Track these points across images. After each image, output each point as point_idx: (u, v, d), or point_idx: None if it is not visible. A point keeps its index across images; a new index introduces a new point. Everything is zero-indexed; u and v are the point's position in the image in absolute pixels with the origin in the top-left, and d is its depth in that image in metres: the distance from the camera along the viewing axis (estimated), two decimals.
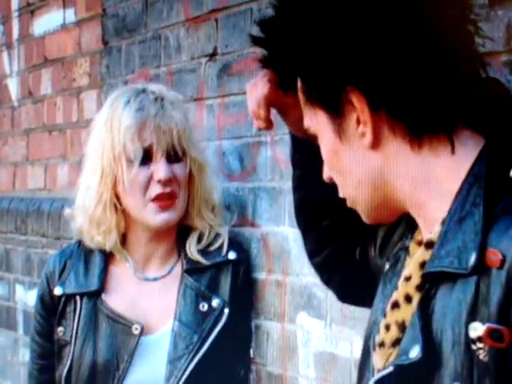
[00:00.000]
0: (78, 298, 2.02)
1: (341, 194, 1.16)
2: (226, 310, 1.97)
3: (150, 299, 2.03)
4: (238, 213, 2.17)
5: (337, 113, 1.09)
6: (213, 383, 1.97)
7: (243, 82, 2.18)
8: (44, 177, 3.34)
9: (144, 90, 2.05)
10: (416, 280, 1.07)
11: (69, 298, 2.03)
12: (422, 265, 1.06)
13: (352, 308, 1.85)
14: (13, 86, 3.58)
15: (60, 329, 2.04)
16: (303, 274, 1.99)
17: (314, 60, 1.08)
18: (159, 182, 1.97)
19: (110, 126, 2.00)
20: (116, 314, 1.99)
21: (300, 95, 1.14)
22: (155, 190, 1.97)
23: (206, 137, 2.28)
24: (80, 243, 2.12)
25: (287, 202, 2.04)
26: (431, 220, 1.08)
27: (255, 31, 1.19)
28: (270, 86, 1.30)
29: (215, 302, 1.98)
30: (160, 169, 1.97)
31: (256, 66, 2.12)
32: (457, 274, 1.01)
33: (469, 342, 0.98)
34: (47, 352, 2.08)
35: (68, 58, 3.14)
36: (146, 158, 1.97)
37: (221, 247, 2.03)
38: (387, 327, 1.09)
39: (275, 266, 2.07)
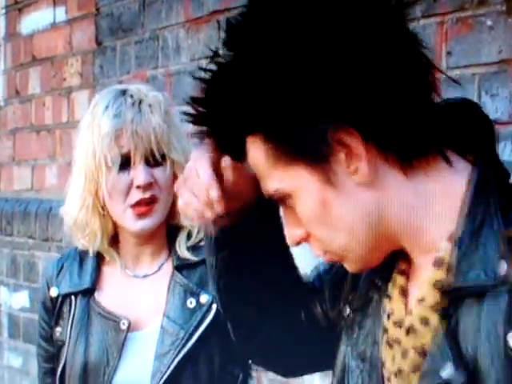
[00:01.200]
0: (72, 297, 2.05)
1: (319, 252, 1.09)
2: (214, 306, 1.98)
3: (140, 296, 2.05)
4: None
5: (322, 160, 1.02)
6: (201, 378, 1.97)
7: None
8: (31, 177, 3.30)
9: (124, 93, 2.06)
10: (431, 301, 1.03)
11: (64, 298, 2.07)
12: (435, 285, 1.03)
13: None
14: None
15: (58, 329, 2.07)
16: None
17: (286, 112, 1.00)
18: (138, 187, 1.98)
19: (91, 131, 2.03)
20: (106, 311, 2.02)
21: (261, 159, 1.05)
22: (135, 196, 1.99)
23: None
24: (77, 247, 2.14)
25: None
26: (431, 242, 1.05)
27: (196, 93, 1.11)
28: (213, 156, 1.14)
29: (203, 298, 1.99)
30: (139, 174, 1.96)
31: None
32: (485, 286, 0.99)
33: (509, 352, 0.96)
34: (51, 356, 2.12)
35: (58, 57, 3.09)
36: (125, 163, 1.98)
37: None
38: (404, 354, 1.05)
39: None
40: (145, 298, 2.04)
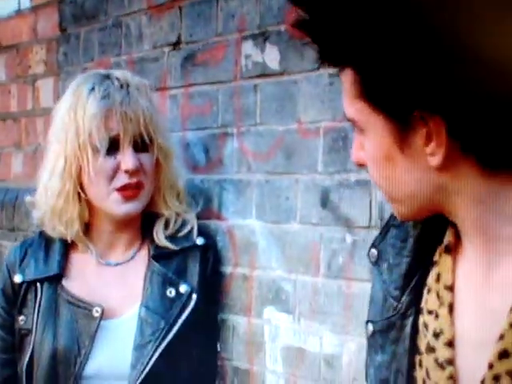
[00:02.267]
0: (38, 284, 1.97)
1: (376, 184, 1.08)
2: (194, 296, 1.96)
3: (112, 284, 2.01)
4: (204, 205, 2.13)
5: (403, 124, 0.99)
6: (181, 371, 1.94)
7: (208, 71, 2.14)
8: None
9: (108, 76, 2.01)
10: None
11: (29, 285, 1.99)
12: None
13: (321, 302, 1.83)
14: None
15: (21, 317, 2.00)
16: (271, 267, 1.97)
17: (387, 63, 0.94)
18: (126, 172, 1.94)
19: (73, 114, 1.96)
20: (76, 299, 1.96)
21: (349, 83, 1.00)
22: (121, 180, 1.95)
23: (169, 127, 2.23)
24: (41, 232, 2.09)
25: (254, 194, 2.01)
26: (501, 243, 1.02)
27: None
28: None
29: (183, 288, 1.96)
30: (127, 159, 1.92)
31: (221, 56, 2.10)
32: None
33: None
34: (9, 345, 2.03)
35: (23, 44, 3.05)
36: (113, 147, 1.93)
37: (189, 233, 2.00)
38: (496, 378, 1.02)
39: (242, 260, 2.04)
40: (117, 286, 1.99)
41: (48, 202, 1.99)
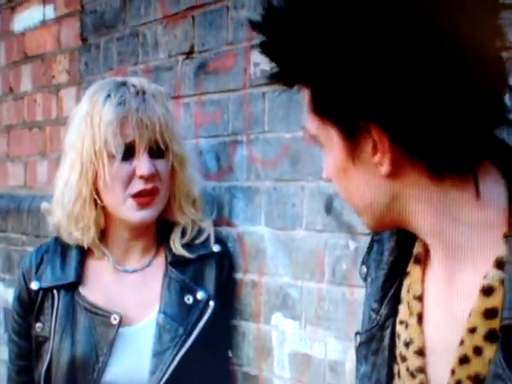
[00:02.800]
0: (55, 292, 1.98)
1: (343, 197, 1.11)
2: (212, 303, 1.96)
3: (129, 291, 1.99)
4: (215, 212, 2.15)
5: (351, 135, 1.02)
6: (198, 377, 1.95)
7: (219, 80, 2.17)
8: (24, 174, 3.32)
9: (124, 83, 2.01)
10: (483, 331, 1.01)
11: (46, 292, 2.00)
12: (486, 314, 1.01)
13: (326, 308, 1.84)
14: None
15: (38, 325, 1.99)
16: (279, 274, 1.98)
17: (334, 79, 0.98)
18: (141, 178, 1.93)
19: (90, 120, 1.95)
20: (94, 306, 1.95)
21: (307, 102, 1.05)
22: (137, 186, 1.94)
23: (183, 135, 2.26)
24: (57, 238, 2.10)
25: (263, 201, 2.03)
26: (459, 250, 1.04)
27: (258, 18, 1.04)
28: None
29: (200, 295, 1.96)
30: (142, 165, 1.91)
31: (231, 65, 2.12)
32: None
33: None
34: (26, 352, 2.04)
35: (47, 54, 3.11)
36: (128, 153, 1.92)
37: (206, 240, 2.01)
38: (458, 383, 1.03)
39: (251, 266, 2.06)
40: (134, 293, 1.99)
41: (64, 208, 2.00)
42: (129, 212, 1.96)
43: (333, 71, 0.98)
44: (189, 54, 2.28)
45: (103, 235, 2.03)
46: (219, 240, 2.05)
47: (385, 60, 0.96)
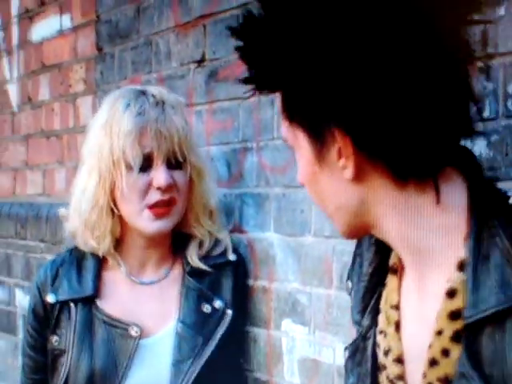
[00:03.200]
0: (72, 305, 1.96)
1: (315, 203, 1.14)
2: (229, 312, 1.96)
3: (146, 303, 1.98)
4: (226, 219, 2.17)
5: (318, 140, 1.05)
6: None
7: (229, 87, 2.19)
8: (42, 182, 3.36)
9: (144, 93, 1.98)
10: (449, 332, 1.03)
11: (63, 305, 1.98)
12: (451, 315, 1.03)
13: (334, 314, 1.85)
14: (13, 92, 3.60)
15: (55, 338, 1.98)
16: (288, 280, 1.99)
17: (300, 84, 1.03)
18: (159, 188, 1.91)
19: (109, 129, 1.93)
20: (112, 319, 1.94)
21: (279, 107, 1.10)
22: (154, 196, 1.92)
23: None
24: (71, 250, 2.07)
25: (272, 207, 2.04)
26: (425, 255, 1.06)
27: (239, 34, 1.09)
28: None
29: (217, 304, 1.95)
30: (160, 175, 1.91)
31: (241, 72, 2.13)
32: (507, 310, 0.98)
33: None
34: (41, 366, 2.02)
35: (64, 63, 3.15)
36: (146, 164, 1.91)
37: (223, 251, 2.01)
38: None
39: (261, 272, 2.07)
40: (151, 304, 1.97)
41: (81, 217, 1.98)
42: (145, 222, 1.94)
43: (301, 77, 1.02)
44: (200, 62, 2.30)
45: (118, 245, 2.02)
46: (235, 249, 2.05)
47: (349, 66, 1.00)
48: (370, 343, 1.14)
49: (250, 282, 2.10)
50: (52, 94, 3.25)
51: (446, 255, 1.04)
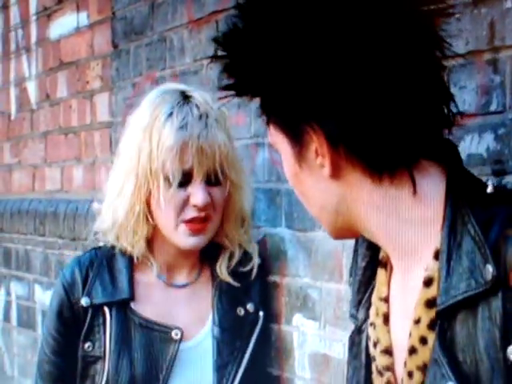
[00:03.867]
0: (106, 309, 1.89)
1: (304, 205, 1.17)
2: (261, 314, 1.94)
3: (180, 306, 1.95)
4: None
5: (296, 140, 1.08)
6: None
7: None
8: (61, 178, 3.39)
9: (188, 99, 1.88)
10: (426, 320, 1.05)
11: (95, 309, 1.90)
12: (428, 303, 1.05)
13: (344, 309, 1.84)
14: (31, 89, 3.63)
15: (87, 344, 1.89)
16: (299, 275, 1.99)
17: (275, 88, 1.06)
18: (195, 206, 1.86)
19: (148, 135, 1.85)
20: (151, 322, 1.89)
21: (259, 111, 1.13)
22: (190, 213, 1.87)
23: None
24: (97, 251, 1.97)
25: (284, 203, 2.05)
26: (407, 248, 1.07)
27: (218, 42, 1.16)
28: None
29: (249, 306, 1.94)
30: (198, 193, 1.85)
31: None
32: (477, 296, 0.99)
33: (509, 365, 0.96)
34: (64, 373, 1.92)
35: (81, 60, 3.17)
36: (185, 179, 1.85)
37: (247, 255, 1.98)
38: (410, 374, 1.07)
39: (273, 267, 2.08)
40: (185, 308, 1.94)
41: (117, 219, 1.90)
42: (181, 237, 1.89)
43: (275, 80, 1.05)
44: (213, 57, 2.30)
45: (150, 248, 1.94)
46: (260, 251, 2.03)
47: (320, 65, 1.03)
48: (364, 336, 1.16)
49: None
50: (69, 91, 3.27)
51: (425, 247, 1.06)
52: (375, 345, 1.12)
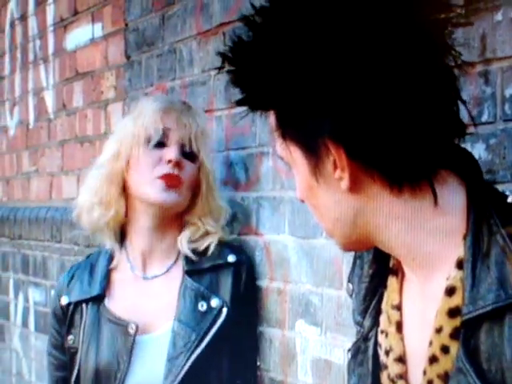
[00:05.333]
0: (83, 305, 2.10)
1: (316, 219, 1.16)
2: (225, 310, 2.02)
3: (148, 299, 2.08)
4: (244, 222, 2.22)
5: (313, 153, 1.07)
6: (211, 381, 2.01)
7: None
8: (77, 187, 3.44)
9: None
10: (448, 329, 1.05)
11: (76, 306, 2.13)
12: (450, 312, 1.05)
13: (344, 315, 1.88)
14: (49, 99, 3.70)
15: (70, 337, 2.12)
16: (301, 281, 2.03)
17: (291, 102, 1.05)
18: (169, 161, 2.02)
19: (136, 114, 2.08)
20: (116, 317, 2.06)
21: (272, 125, 1.12)
22: (164, 168, 2.03)
23: (215, 147, 2.34)
24: (89, 256, 2.23)
25: (287, 210, 2.08)
26: (428, 258, 1.07)
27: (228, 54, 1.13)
28: None
29: (214, 302, 2.03)
30: (171, 151, 2.03)
31: None
32: (505, 307, 0.99)
33: None
34: (62, 364, 2.16)
35: (96, 71, 3.23)
36: (162, 140, 2.04)
37: (221, 251, 2.07)
38: (430, 382, 1.07)
39: (276, 274, 2.11)
40: (154, 301, 2.08)
41: (91, 188, 2.10)
42: (156, 191, 2.03)
43: (291, 94, 1.05)
44: (220, 69, 2.35)
45: (124, 236, 2.12)
46: (235, 249, 2.11)
47: (336, 78, 1.02)
48: (371, 343, 1.15)
49: (265, 283, 2.14)
50: (85, 101, 3.33)
51: (446, 256, 1.06)
52: (387, 353, 1.12)
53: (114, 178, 2.09)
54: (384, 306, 1.15)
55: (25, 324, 3.88)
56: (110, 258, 2.13)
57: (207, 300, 2.02)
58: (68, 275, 2.19)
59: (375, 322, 1.17)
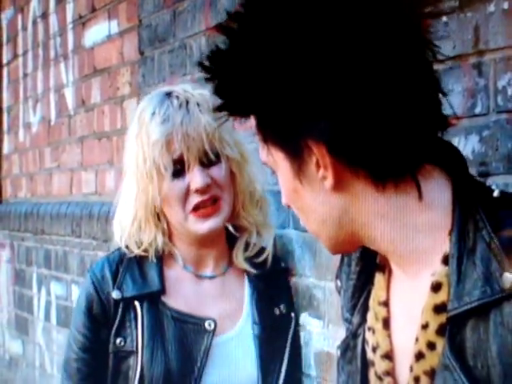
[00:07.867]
0: (137, 303, 1.89)
1: (302, 223, 1.15)
2: (293, 315, 1.96)
3: (211, 299, 1.94)
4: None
5: (295, 155, 1.06)
6: None
7: None
8: (95, 182, 3.48)
9: (169, 95, 1.93)
10: (434, 326, 1.04)
11: (126, 303, 1.89)
12: (436, 309, 1.04)
13: None
14: (69, 96, 3.74)
15: (119, 339, 1.87)
16: (306, 275, 2.04)
17: (270, 106, 1.04)
18: (197, 191, 1.88)
19: (140, 140, 1.90)
20: (183, 314, 1.89)
21: (254, 130, 1.11)
22: (194, 200, 1.88)
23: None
24: (124, 250, 1.96)
25: None
26: (414, 254, 1.06)
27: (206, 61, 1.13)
28: None
29: (282, 307, 1.96)
30: (195, 177, 1.87)
31: None
32: (490, 303, 0.99)
33: None
34: (95, 370, 1.90)
35: (113, 67, 3.26)
36: (180, 168, 1.88)
37: (268, 256, 1.99)
38: (416, 379, 1.07)
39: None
40: (217, 301, 1.93)
41: (124, 229, 1.93)
42: (194, 226, 1.89)
43: (269, 98, 1.04)
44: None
45: (172, 242, 1.95)
46: (279, 256, 2.06)
47: (316, 78, 1.02)
48: (359, 340, 1.15)
49: None
50: (102, 97, 3.37)
51: (432, 252, 1.05)
52: (374, 349, 1.12)
53: (140, 220, 1.89)
54: (371, 302, 1.15)
55: (47, 318, 3.94)
56: (158, 256, 1.94)
57: (277, 304, 1.95)
58: (110, 268, 1.91)
59: (363, 319, 1.16)
